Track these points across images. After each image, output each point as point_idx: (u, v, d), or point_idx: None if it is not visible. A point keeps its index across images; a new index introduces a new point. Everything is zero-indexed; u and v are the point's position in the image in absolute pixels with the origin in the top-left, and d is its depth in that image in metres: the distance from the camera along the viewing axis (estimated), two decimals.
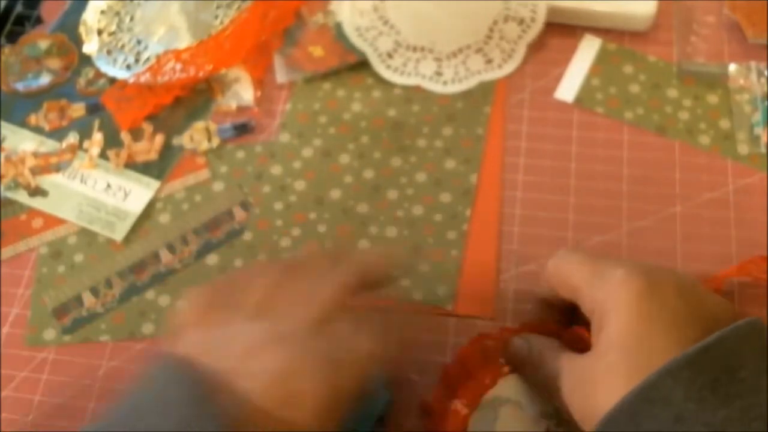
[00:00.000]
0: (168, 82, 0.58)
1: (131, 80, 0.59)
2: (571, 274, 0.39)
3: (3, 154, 0.58)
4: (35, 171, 0.57)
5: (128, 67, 0.60)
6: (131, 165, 0.57)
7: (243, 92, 0.59)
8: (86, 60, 0.62)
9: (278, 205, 0.54)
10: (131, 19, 0.63)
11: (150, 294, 0.51)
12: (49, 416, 0.47)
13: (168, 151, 0.57)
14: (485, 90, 0.58)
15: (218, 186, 0.55)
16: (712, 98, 0.56)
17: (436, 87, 0.58)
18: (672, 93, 0.56)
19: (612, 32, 0.59)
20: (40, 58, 0.63)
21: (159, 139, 0.57)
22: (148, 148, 0.57)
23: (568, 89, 0.57)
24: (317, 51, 0.60)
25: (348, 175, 0.55)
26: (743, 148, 0.53)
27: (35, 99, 0.61)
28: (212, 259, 0.52)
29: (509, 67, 0.58)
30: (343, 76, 0.59)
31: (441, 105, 0.57)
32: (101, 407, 0.47)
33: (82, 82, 0.61)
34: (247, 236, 0.53)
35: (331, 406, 0.35)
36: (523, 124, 0.56)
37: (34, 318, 0.51)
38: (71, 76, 0.62)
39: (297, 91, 0.59)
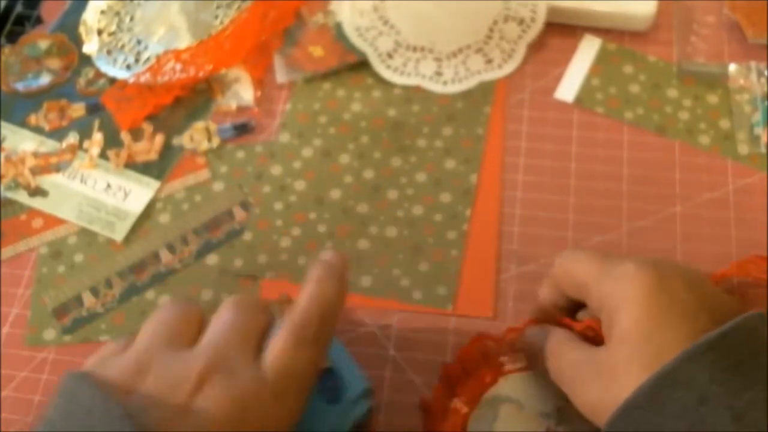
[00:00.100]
0: (168, 82, 0.58)
1: (131, 80, 0.59)
2: (578, 271, 0.39)
3: (3, 154, 0.58)
4: (35, 171, 0.57)
5: (128, 67, 0.60)
6: (131, 165, 0.57)
7: (243, 92, 0.59)
8: (86, 60, 0.62)
9: (278, 205, 0.54)
10: (131, 19, 0.63)
11: (150, 294, 0.51)
12: None
13: (168, 151, 0.57)
14: (485, 90, 0.58)
15: (218, 186, 0.55)
16: (712, 98, 0.56)
17: (436, 87, 0.58)
18: (672, 93, 0.56)
19: (612, 32, 0.59)
20: (40, 58, 0.63)
21: (159, 139, 0.57)
22: (148, 148, 0.57)
23: (568, 89, 0.57)
24: (317, 51, 0.60)
25: (348, 175, 0.55)
26: (743, 148, 0.53)
27: (35, 99, 0.61)
28: (212, 259, 0.52)
29: (509, 67, 0.58)
30: (343, 76, 0.59)
31: (441, 105, 0.57)
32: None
33: (82, 82, 0.61)
34: (247, 236, 0.53)
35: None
36: (523, 124, 0.56)
37: (34, 318, 0.51)
38: (71, 76, 0.62)
39: (297, 91, 0.59)
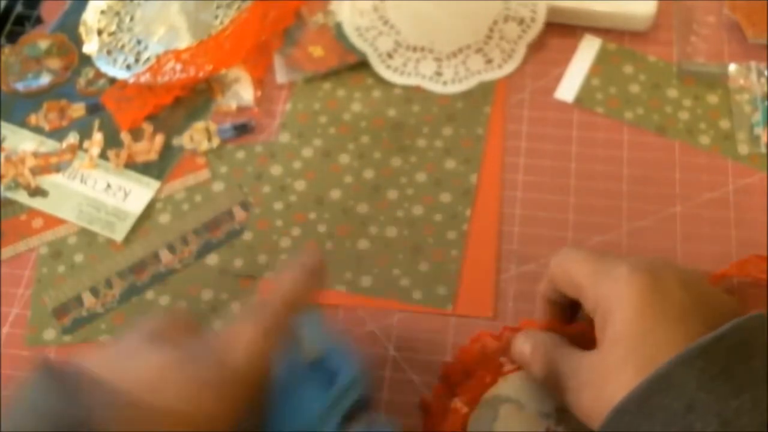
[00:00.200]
0: (168, 82, 0.58)
1: (131, 80, 0.59)
2: (574, 272, 0.39)
3: (3, 154, 0.58)
4: (35, 171, 0.57)
5: (128, 67, 0.60)
6: (131, 165, 0.57)
7: (243, 92, 0.59)
8: (86, 60, 0.62)
9: (278, 205, 0.54)
10: (131, 19, 0.63)
11: (150, 294, 0.51)
12: None
13: (168, 151, 0.57)
14: (485, 90, 0.58)
15: (218, 186, 0.55)
16: (712, 98, 0.56)
17: (436, 87, 0.58)
18: (672, 93, 0.56)
19: (612, 32, 0.59)
20: (40, 58, 0.63)
21: (159, 139, 0.57)
22: (148, 148, 0.57)
23: (568, 89, 0.57)
24: (317, 51, 0.60)
25: (348, 175, 0.55)
26: (743, 148, 0.53)
27: (35, 99, 0.61)
28: (212, 259, 0.52)
29: (509, 67, 0.58)
30: (343, 76, 0.59)
31: (441, 105, 0.57)
32: None
33: (82, 82, 0.61)
34: (247, 236, 0.53)
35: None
36: (523, 124, 0.56)
37: (34, 318, 0.51)
38: (71, 76, 0.62)
39: (297, 91, 0.59)
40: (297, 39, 0.61)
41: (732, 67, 0.56)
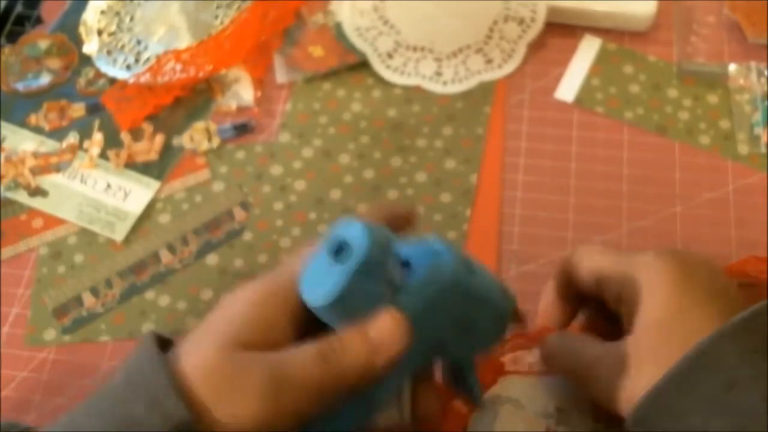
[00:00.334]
0: (168, 82, 0.58)
1: (131, 80, 0.59)
2: (596, 261, 0.39)
3: (3, 154, 0.58)
4: (35, 171, 0.57)
5: (128, 67, 0.60)
6: (131, 165, 0.57)
7: (243, 92, 0.59)
8: (86, 60, 0.62)
9: (278, 205, 0.54)
10: (131, 19, 0.63)
11: (150, 294, 0.51)
12: (49, 416, 0.47)
13: (168, 151, 0.57)
14: (485, 90, 0.58)
15: (218, 186, 0.55)
16: (712, 98, 0.56)
17: (436, 87, 0.58)
18: (672, 93, 0.56)
19: (612, 32, 0.59)
20: (40, 58, 0.63)
21: (159, 139, 0.57)
22: (148, 148, 0.57)
23: (568, 89, 0.57)
24: (317, 51, 0.60)
25: (348, 175, 0.55)
26: (743, 148, 0.53)
27: (35, 99, 0.61)
28: (212, 259, 0.52)
29: (509, 67, 0.58)
30: (343, 76, 0.59)
31: (441, 105, 0.57)
32: None
33: (82, 82, 0.61)
34: (247, 236, 0.53)
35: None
36: (523, 124, 0.56)
37: (34, 318, 0.51)
38: (71, 76, 0.62)
39: (297, 91, 0.59)
40: (297, 39, 0.61)
41: (732, 67, 0.56)
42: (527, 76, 0.58)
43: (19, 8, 0.66)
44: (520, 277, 0.50)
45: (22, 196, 0.56)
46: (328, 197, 0.54)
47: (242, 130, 0.57)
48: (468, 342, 0.37)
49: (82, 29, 0.63)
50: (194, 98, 0.59)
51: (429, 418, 0.38)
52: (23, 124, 0.59)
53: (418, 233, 0.38)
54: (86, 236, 0.54)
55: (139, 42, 0.62)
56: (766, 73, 0.56)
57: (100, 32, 0.63)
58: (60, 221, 0.55)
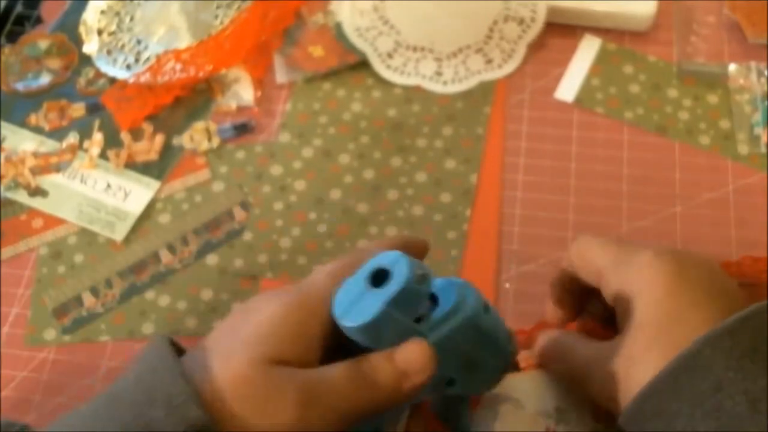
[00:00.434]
0: (168, 82, 0.58)
1: (131, 80, 0.59)
2: (595, 258, 0.39)
3: (3, 154, 0.58)
4: (35, 171, 0.57)
5: (128, 67, 0.60)
6: (131, 165, 0.57)
7: (243, 92, 0.59)
8: (86, 60, 0.62)
9: (278, 205, 0.54)
10: (131, 19, 0.63)
11: (150, 294, 0.51)
12: (49, 416, 0.47)
13: (168, 151, 0.57)
14: (485, 90, 0.58)
15: (218, 186, 0.55)
16: (712, 98, 0.56)
17: (436, 87, 0.58)
18: (672, 93, 0.56)
19: (612, 32, 0.59)
20: (40, 58, 0.63)
21: (159, 139, 0.57)
22: (148, 148, 0.57)
23: (568, 89, 0.57)
24: (317, 51, 0.60)
25: (348, 175, 0.55)
26: (743, 148, 0.53)
27: (35, 99, 0.61)
28: (212, 259, 0.52)
29: (509, 67, 0.58)
30: (343, 76, 0.59)
31: (441, 105, 0.57)
32: None
33: (82, 82, 0.61)
34: (247, 236, 0.53)
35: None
36: (523, 124, 0.56)
37: (34, 318, 0.51)
38: (71, 76, 0.62)
39: (297, 91, 0.59)
40: (297, 39, 0.61)
41: (732, 67, 0.56)
42: (527, 76, 0.58)
43: (19, 8, 0.66)
44: (520, 277, 0.50)
45: (22, 196, 0.56)
46: (328, 197, 0.54)
47: (242, 130, 0.57)
48: (472, 379, 0.38)
49: (82, 29, 0.63)
50: (194, 98, 0.59)
51: None
52: (23, 124, 0.59)
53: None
54: (86, 236, 0.54)
55: (139, 42, 0.62)
56: (766, 73, 0.56)
57: (100, 32, 0.63)
58: (60, 221, 0.55)
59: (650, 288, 0.36)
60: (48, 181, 0.57)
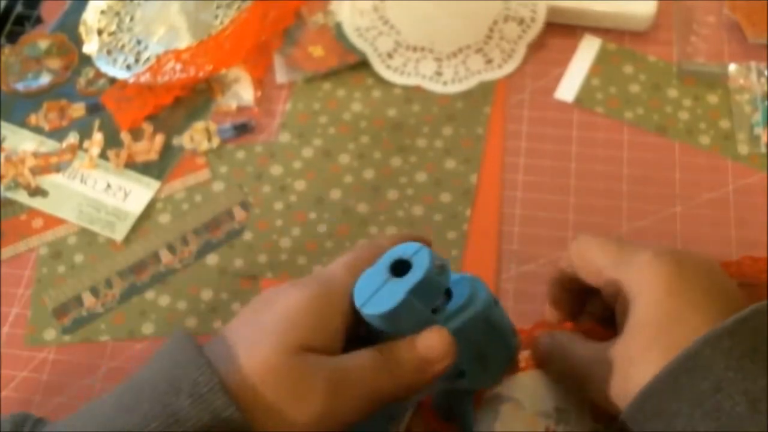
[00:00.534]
0: (168, 82, 0.58)
1: (131, 80, 0.59)
2: (594, 257, 0.39)
3: (3, 154, 0.58)
4: (35, 171, 0.57)
5: (128, 67, 0.60)
6: (131, 165, 0.57)
7: (243, 92, 0.59)
8: (86, 60, 0.62)
9: (278, 205, 0.54)
10: (131, 19, 0.63)
11: (150, 294, 0.51)
12: (50, 416, 0.47)
13: (168, 151, 0.57)
14: (485, 90, 0.58)
15: (218, 186, 0.55)
16: (712, 98, 0.56)
17: (436, 87, 0.58)
18: (672, 93, 0.56)
19: (612, 32, 0.59)
20: (40, 58, 0.63)
21: (159, 139, 0.57)
22: (148, 148, 0.57)
23: (568, 89, 0.57)
24: (317, 51, 0.60)
25: (348, 175, 0.55)
26: (743, 148, 0.53)
27: (35, 99, 0.61)
28: (212, 259, 0.52)
29: (509, 67, 0.58)
30: (343, 76, 0.59)
31: (441, 105, 0.57)
32: None
33: (82, 82, 0.61)
34: (247, 236, 0.53)
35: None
36: (523, 124, 0.56)
37: (34, 318, 0.51)
38: (71, 76, 0.62)
39: (297, 91, 0.59)
40: (297, 39, 0.61)
41: (732, 67, 0.56)
42: (527, 76, 0.58)
43: (19, 8, 0.66)
44: (520, 277, 0.50)
45: (22, 196, 0.56)
46: (328, 197, 0.54)
47: (242, 130, 0.57)
48: (481, 371, 0.38)
49: (82, 29, 0.63)
50: (194, 98, 0.59)
51: None
52: (23, 124, 0.59)
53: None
54: (86, 236, 0.54)
55: (139, 42, 0.62)
56: (766, 73, 0.56)
57: (100, 32, 0.63)
58: (60, 221, 0.55)
59: (650, 288, 0.36)
60: (48, 181, 0.57)
